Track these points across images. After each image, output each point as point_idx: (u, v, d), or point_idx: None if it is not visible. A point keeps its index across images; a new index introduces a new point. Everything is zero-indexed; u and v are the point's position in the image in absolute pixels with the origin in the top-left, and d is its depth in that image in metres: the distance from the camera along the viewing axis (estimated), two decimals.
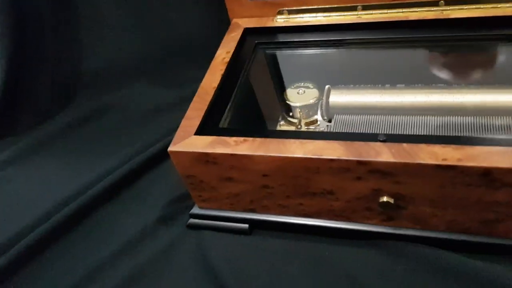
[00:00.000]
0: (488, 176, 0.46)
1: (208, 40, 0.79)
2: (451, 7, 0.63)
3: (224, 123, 0.59)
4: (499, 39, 0.62)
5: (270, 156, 0.52)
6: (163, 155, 0.77)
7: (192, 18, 0.92)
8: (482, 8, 0.62)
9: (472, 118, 0.58)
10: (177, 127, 0.79)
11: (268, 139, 0.53)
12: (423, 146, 0.48)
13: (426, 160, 0.47)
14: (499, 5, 0.61)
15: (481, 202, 0.49)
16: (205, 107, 0.60)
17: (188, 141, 0.56)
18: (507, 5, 0.61)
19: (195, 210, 0.64)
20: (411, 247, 0.55)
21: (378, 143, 0.50)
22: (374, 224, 0.56)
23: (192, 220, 0.65)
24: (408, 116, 0.60)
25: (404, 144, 0.49)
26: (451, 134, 0.57)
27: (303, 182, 0.54)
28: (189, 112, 0.60)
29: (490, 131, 0.57)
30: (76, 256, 0.65)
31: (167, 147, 0.56)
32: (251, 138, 0.54)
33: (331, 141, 0.51)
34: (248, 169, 0.55)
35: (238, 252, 0.61)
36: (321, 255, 0.58)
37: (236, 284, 0.56)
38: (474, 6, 0.62)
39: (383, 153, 0.49)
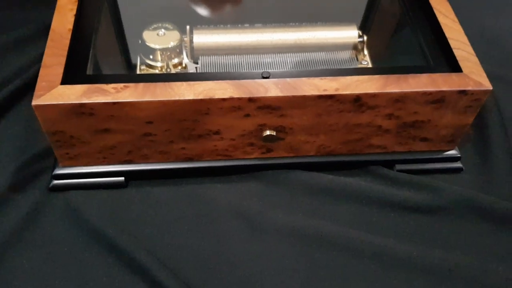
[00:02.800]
0: (358, 101, 0.52)
1: None
2: None
3: (90, 70, 0.53)
4: None
5: (158, 101, 0.49)
6: None
7: None
8: None
9: (324, 53, 0.65)
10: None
11: (152, 84, 0.50)
12: (304, 79, 0.52)
13: (309, 92, 0.51)
14: None
15: (348, 125, 0.56)
16: (65, 53, 0.52)
17: (55, 92, 0.49)
18: None
19: (59, 170, 0.57)
20: (287, 173, 0.61)
21: (265, 80, 0.52)
22: (254, 157, 0.59)
23: (56, 182, 0.58)
24: (271, 54, 0.63)
25: (288, 79, 0.52)
26: (310, 67, 0.63)
27: (189, 125, 0.53)
28: (46, 59, 0.51)
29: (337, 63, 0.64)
30: None
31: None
32: (132, 84, 0.50)
33: (218, 81, 0.51)
34: (130, 117, 0.51)
35: (117, 206, 0.58)
36: (204, 195, 0.59)
37: (124, 238, 0.54)
38: None
39: (272, 89, 0.51)
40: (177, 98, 0.49)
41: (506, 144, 0.64)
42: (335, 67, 0.63)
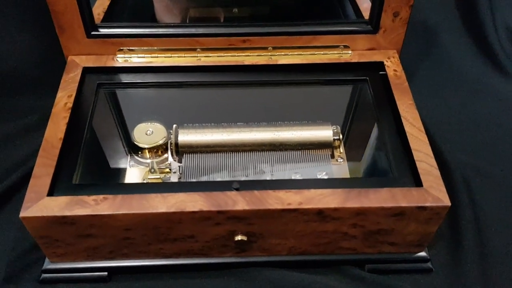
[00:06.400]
0: (321, 214, 0.56)
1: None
2: (277, 52, 0.72)
3: (76, 178, 0.58)
4: (316, 83, 0.73)
5: (133, 214, 0.54)
6: None
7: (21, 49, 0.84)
8: (302, 54, 0.72)
9: (301, 152, 0.69)
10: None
11: (129, 196, 0.55)
12: (270, 192, 0.56)
13: (274, 206, 0.55)
14: (315, 52, 0.72)
15: (315, 232, 0.59)
16: (53, 163, 0.57)
17: (41, 204, 0.54)
18: (322, 52, 0.73)
19: (48, 265, 0.62)
20: (260, 271, 0.64)
21: (234, 192, 0.56)
22: (229, 256, 0.63)
23: (45, 275, 0.62)
24: (251, 152, 0.68)
25: (256, 192, 0.56)
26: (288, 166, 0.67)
27: (164, 231, 0.57)
28: (36, 170, 0.57)
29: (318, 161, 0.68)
30: None
31: None
32: (111, 196, 0.55)
33: (191, 193, 0.55)
34: (109, 226, 0.55)
35: None
36: None
37: None
38: (296, 52, 0.72)
39: (239, 202, 0.55)
40: (150, 210, 0.54)
41: (478, 245, 0.66)
42: (310, 166, 0.67)
